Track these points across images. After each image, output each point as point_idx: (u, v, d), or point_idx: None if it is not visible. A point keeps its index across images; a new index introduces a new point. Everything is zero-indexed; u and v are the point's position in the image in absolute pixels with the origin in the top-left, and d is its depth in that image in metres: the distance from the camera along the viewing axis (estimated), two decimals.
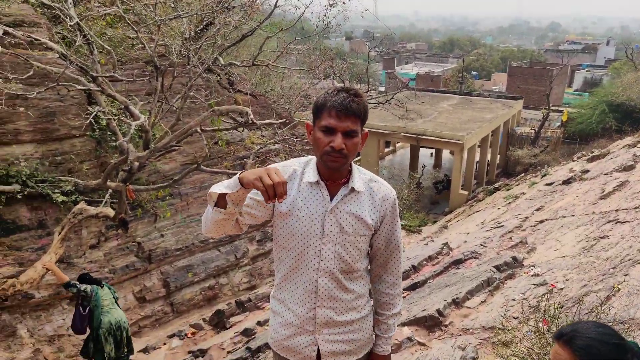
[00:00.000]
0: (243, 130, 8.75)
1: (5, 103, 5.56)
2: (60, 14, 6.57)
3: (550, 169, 14.51)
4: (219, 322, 7.17)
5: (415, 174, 19.20)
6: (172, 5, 7.30)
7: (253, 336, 5.74)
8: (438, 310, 4.25)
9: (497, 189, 16.12)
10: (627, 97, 24.29)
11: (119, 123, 7.02)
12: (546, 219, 7.64)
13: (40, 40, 6.00)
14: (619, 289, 3.76)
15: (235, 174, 1.60)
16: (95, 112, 6.19)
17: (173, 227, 8.55)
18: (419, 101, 19.99)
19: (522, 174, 18.33)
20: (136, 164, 5.94)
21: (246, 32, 7.94)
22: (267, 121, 7.34)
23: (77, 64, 6.14)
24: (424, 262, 6.62)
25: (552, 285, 4.50)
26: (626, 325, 3.16)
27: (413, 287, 5.58)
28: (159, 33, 6.84)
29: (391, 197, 1.83)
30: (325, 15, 8.14)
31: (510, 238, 7.00)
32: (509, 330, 3.55)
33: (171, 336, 7.19)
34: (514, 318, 3.91)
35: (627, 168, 8.87)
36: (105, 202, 6.82)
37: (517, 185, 14.95)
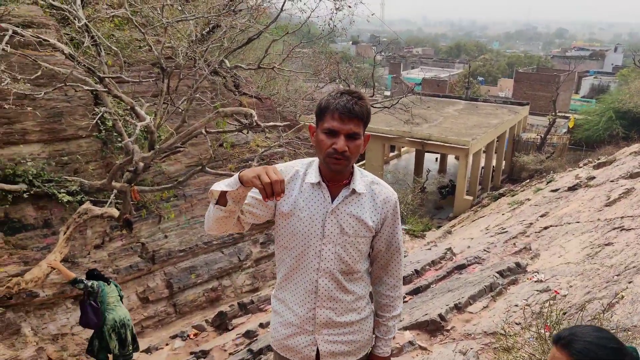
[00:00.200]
0: (248, 133, 8.78)
1: (13, 103, 5.62)
2: (68, 15, 6.64)
3: (555, 176, 14.43)
4: (222, 324, 7.18)
5: (420, 178, 19.15)
6: (179, 8, 7.36)
7: (255, 338, 5.74)
8: (440, 315, 4.24)
9: (502, 195, 16.05)
10: (634, 104, 24.18)
11: (124, 124, 7.07)
12: (551, 225, 7.60)
13: (48, 41, 6.06)
14: (622, 297, 3.73)
15: None
16: (101, 113, 6.24)
17: (177, 228, 8.59)
18: (424, 106, 19.95)
19: (528, 180, 18.25)
20: (141, 164, 5.97)
21: (252, 35, 7.99)
22: (271, 123, 7.37)
23: (84, 65, 6.20)
24: (427, 267, 6.60)
25: (555, 291, 4.47)
26: (629, 332, 3.13)
27: (415, 292, 5.57)
28: (165, 35, 6.89)
29: (392, 199, 1.84)
30: (331, 19, 8.17)
31: (514, 244, 6.97)
32: (510, 335, 3.53)
33: (174, 337, 7.22)
34: (516, 324, 3.89)
35: (634, 175, 8.80)
36: (110, 202, 6.86)
37: (522, 191, 14.88)
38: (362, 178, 1.82)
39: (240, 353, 5.15)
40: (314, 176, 1.77)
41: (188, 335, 7.11)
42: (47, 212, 6.98)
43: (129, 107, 6.41)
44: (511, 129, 23.02)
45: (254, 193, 1.72)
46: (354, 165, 1.81)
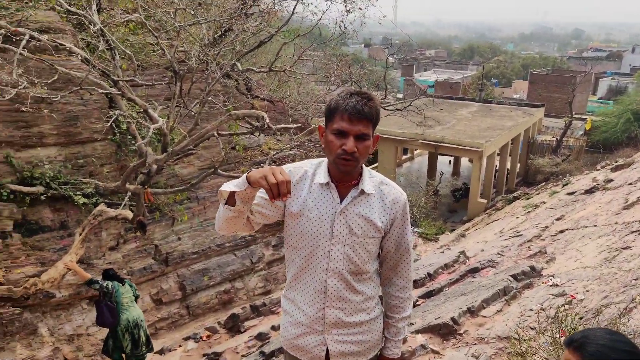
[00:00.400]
0: (259, 135, 8.83)
1: (30, 106, 5.74)
2: (84, 20, 6.76)
3: (572, 178, 14.20)
4: (234, 326, 7.20)
5: (433, 181, 19.01)
6: (192, 12, 7.44)
7: (267, 340, 5.74)
8: (453, 319, 4.19)
9: (516, 198, 15.84)
10: None
11: (138, 127, 7.16)
12: (567, 229, 7.47)
13: (65, 46, 6.18)
14: None
15: None
16: (116, 116, 6.33)
17: (190, 230, 8.65)
18: (437, 108, 19.81)
19: (543, 183, 17.97)
20: (154, 167, 6.04)
21: (264, 39, 8.03)
22: (282, 126, 7.39)
23: (99, 69, 6.30)
24: (440, 270, 6.54)
25: (571, 296, 4.38)
26: None
27: (428, 295, 5.51)
28: (178, 39, 6.97)
29: (402, 200, 1.83)
30: (342, 21, 8.17)
31: (529, 247, 6.86)
32: (525, 340, 3.47)
33: (186, 338, 7.25)
34: (531, 328, 3.83)
35: None
36: (125, 204, 6.95)
37: (537, 194, 14.66)
38: (371, 178, 1.81)
39: (253, 355, 5.15)
40: (322, 176, 1.77)
41: (201, 337, 7.14)
42: (63, 214, 7.10)
43: (142, 110, 6.49)
44: (526, 131, 22.72)
45: (262, 193, 1.72)
46: (363, 165, 1.80)
